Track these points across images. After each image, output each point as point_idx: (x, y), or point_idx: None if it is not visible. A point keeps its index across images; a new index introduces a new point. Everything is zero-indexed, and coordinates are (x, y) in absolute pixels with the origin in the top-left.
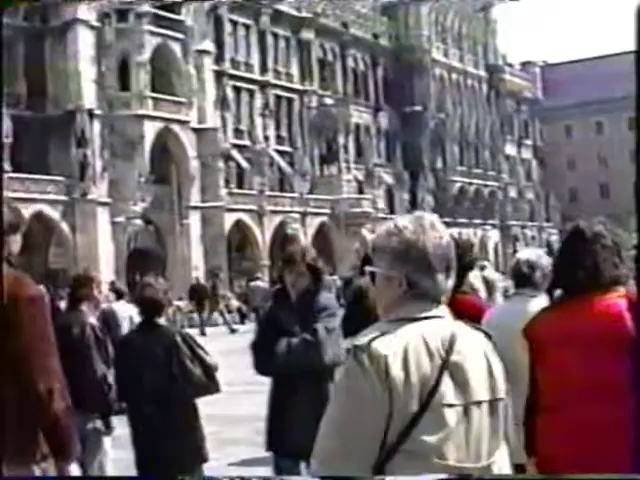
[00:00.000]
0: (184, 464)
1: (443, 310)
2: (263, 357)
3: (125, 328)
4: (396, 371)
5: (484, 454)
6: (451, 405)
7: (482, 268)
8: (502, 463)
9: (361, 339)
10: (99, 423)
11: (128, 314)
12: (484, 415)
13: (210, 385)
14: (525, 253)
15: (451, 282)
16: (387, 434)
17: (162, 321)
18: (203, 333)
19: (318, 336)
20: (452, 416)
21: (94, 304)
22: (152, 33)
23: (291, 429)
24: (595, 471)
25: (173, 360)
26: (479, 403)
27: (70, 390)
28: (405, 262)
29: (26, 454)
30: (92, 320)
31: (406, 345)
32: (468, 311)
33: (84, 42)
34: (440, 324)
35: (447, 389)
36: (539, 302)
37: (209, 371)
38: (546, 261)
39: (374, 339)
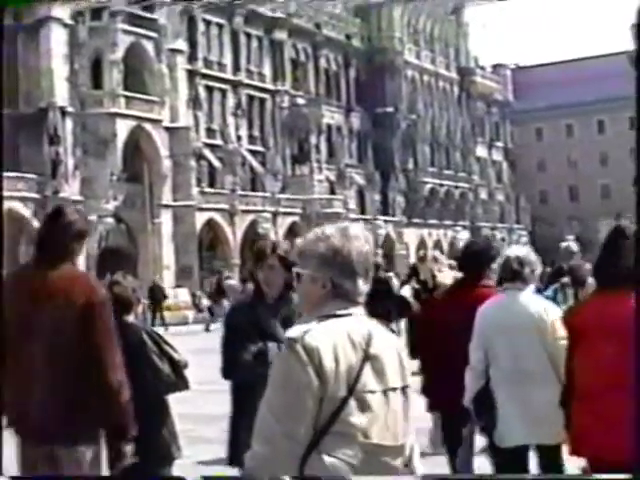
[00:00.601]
0: (155, 461)
1: (360, 309)
2: (241, 363)
3: None
4: (328, 361)
5: (400, 434)
6: (372, 391)
7: None
8: (412, 441)
9: (294, 332)
10: None
11: None
12: (398, 399)
13: (179, 382)
14: (514, 250)
15: (367, 286)
16: (319, 417)
17: (130, 319)
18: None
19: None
20: (374, 400)
21: None
22: (125, 32)
23: None
24: (620, 458)
25: (141, 358)
26: (394, 389)
27: None
28: (331, 266)
29: (94, 435)
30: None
31: (334, 338)
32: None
33: (57, 40)
34: (359, 321)
35: (368, 377)
36: (528, 295)
37: (178, 368)
38: (534, 257)
39: (306, 332)
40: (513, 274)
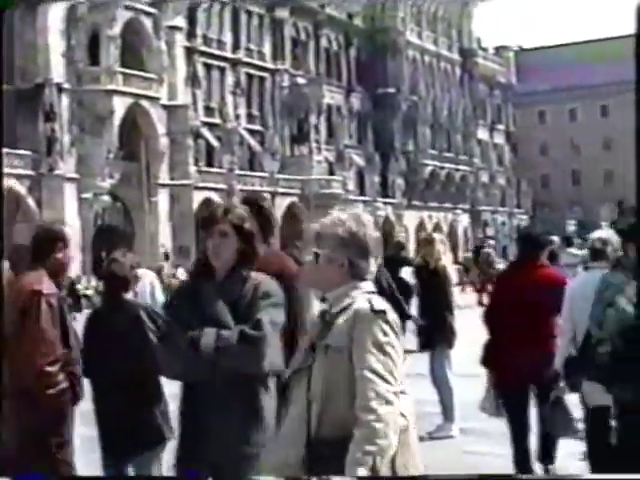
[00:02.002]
0: (147, 440)
1: (370, 285)
2: (175, 355)
3: None
4: (396, 327)
5: None
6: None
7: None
8: None
9: (376, 304)
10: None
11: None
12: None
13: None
14: (598, 232)
15: (374, 266)
16: None
17: (128, 296)
18: None
19: (263, 331)
20: None
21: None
22: (124, 7)
23: (207, 450)
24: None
25: (137, 335)
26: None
27: None
28: (348, 247)
29: None
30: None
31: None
32: (553, 280)
33: (54, 15)
34: (373, 295)
35: None
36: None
37: None
38: (615, 239)
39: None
40: (596, 254)
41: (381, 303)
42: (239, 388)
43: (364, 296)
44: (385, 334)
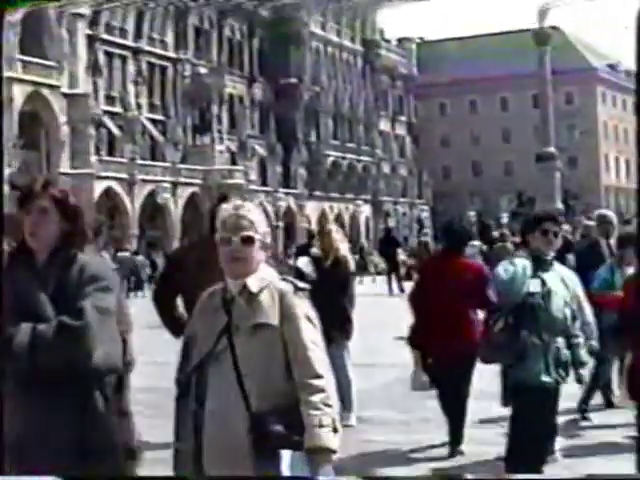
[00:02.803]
0: None
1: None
2: None
3: None
4: None
5: None
6: None
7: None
8: None
9: (296, 283)
10: None
11: None
12: None
13: None
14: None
15: None
16: None
17: None
18: None
19: (85, 320)
20: None
21: None
22: None
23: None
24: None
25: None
26: None
27: None
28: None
29: None
30: None
31: None
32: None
33: None
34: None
35: None
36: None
37: None
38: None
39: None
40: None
41: (299, 282)
42: (65, 390)
43: (276, 276)
44: (311, 308)
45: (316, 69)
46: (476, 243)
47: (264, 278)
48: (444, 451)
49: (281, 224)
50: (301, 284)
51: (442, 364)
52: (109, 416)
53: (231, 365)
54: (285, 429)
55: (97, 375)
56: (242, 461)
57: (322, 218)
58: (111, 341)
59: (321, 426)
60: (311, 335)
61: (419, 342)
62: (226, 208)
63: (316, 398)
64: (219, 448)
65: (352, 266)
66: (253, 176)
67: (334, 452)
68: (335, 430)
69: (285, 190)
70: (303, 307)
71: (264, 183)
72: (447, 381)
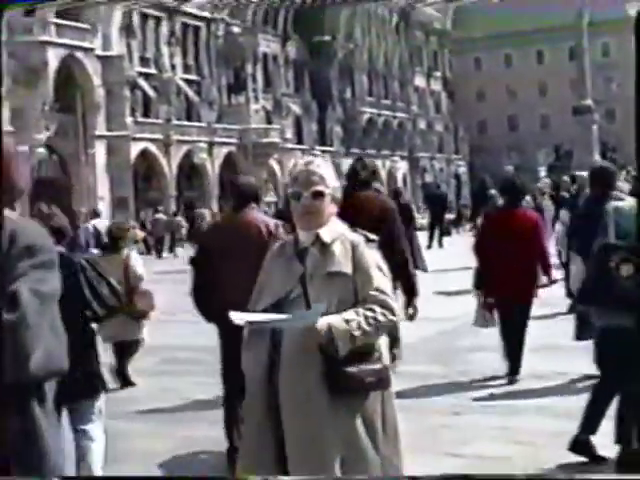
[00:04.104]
0: (85, 389)
1: None
2: None
3: None
4: None
5: None
6: None
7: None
8: None
9: (367, 235)
10: None
11: None
12: None
13: (118, 307)
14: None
15: None
16: None
17: (61, 249)
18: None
19: (21, 310)
20: None
21: None
22: None
23: None
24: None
25: (74, 287)
26: None
27: None
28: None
29: None
30: None
31: None
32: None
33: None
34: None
35: None
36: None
37: (117, 294)
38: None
39: None
40: None
41: (368, 234)
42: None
43: (347, 229)
44: (380, 259)
45: (350, 26)
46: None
47: (336, 230)
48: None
49: None
50: (372, 236)
51: (505, 302)
52: (47, 431)
53: (305, 310)
54: (358, 371)
55: (35, 381)
56: (317, 402)
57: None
58: (54, 336)
59: (349, 322)
60: (381, 283)
61: (484, 284)
62: (298, 164)
63: (374, 305)
64: (294, 390)
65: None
66: (289, 134)
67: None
68: (363, 334)
69: (321, 148)
70: (374, 257)
71: (300, 141)
72: (509, 316)
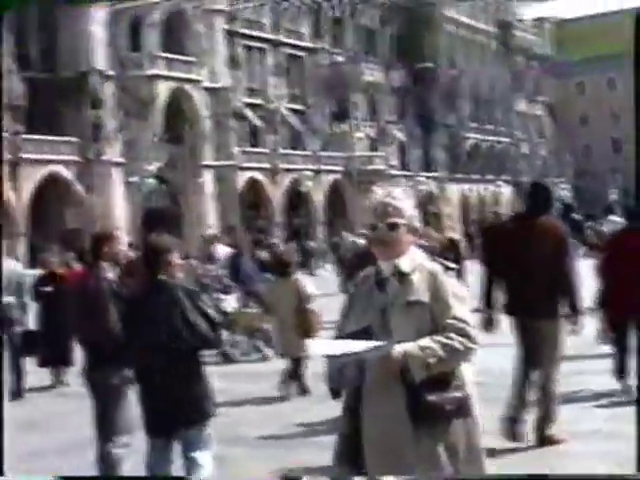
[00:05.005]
0: (197, 415)
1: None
2: None
3: None
4: None
5: None
6: None
7: None
8: None
9: (445, 263)
10: (120, 377)
11: None
12: None
13: (214, 339)
14: None
15: None
16: None
17: (165, 277)
18: None
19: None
20: None
21: (114, 261)
22: None
23: None
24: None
25: (177, 315)
26: None
27: (89, 344)
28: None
29: None
30: (110, 275)
31: None
32: None
33: (95, 3)
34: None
35: None
36: None
37: (213, 325)
38: None
39: None
40: None
41: (447, 263)
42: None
43: (424, 257)
44: (459, 287)
45: (452, 52)
46: (619, 219)
47: (414, 259)
48: None
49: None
50: (450, 264)
51: (626, 320)
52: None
53: (386, 339)
54: (438, 399)
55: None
56: (399, 430)
57: (465, 200)
58: None
59: (424, 349)
60: (460, 311)
61: (606, 303)
62: (376, 196)
63: (452, 333)
64: (376, 418)
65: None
66: (393, 161)
67: (396, 362)
68: (439, 362)
69: (425, 174)
70: (452, 285)
71: (404, 168)
72: (629, 334)
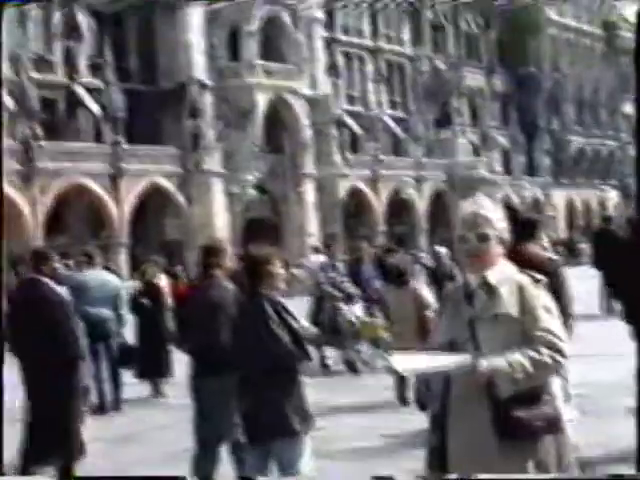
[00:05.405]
0: (285, 428)
1: None
2: None
3: None
4: None
5: None
6: None
7: None
8: None
9: (534, 275)
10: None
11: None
12: None
13: (299, 354)
14: None
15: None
16: None
17: (268, 288)
18: None
19: None
20: None
21: (225, 272)
22: (262, 2)
23: None
24: None
25: (262, 326)
26: None
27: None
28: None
29: None
30: (231, 286)
31: None
32: None
33: (194, 14)
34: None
35: None
36: None
37: (298, 339)
38: None
39: None
40: None
41: (535, 274)
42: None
43: (515, 270)
44: (548, 299)
45: (556, 56)
46: None
47: (503, 271)
48: None
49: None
50: (538, 276)
51: None
52: None
53: (473, 352)
54: (526, 415)
55: None
56: (485, 447)
57: (571, 206)
58: None
59: (512, 363)
60: (549, 324)
61: None
62: (464, 206)
63: (541, 347)
64: (462, 434)
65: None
66: (497, 167)
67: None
68: (528, 377)
69: (530, 179)
70: (541, 298)
71: (508, 173)
72: None
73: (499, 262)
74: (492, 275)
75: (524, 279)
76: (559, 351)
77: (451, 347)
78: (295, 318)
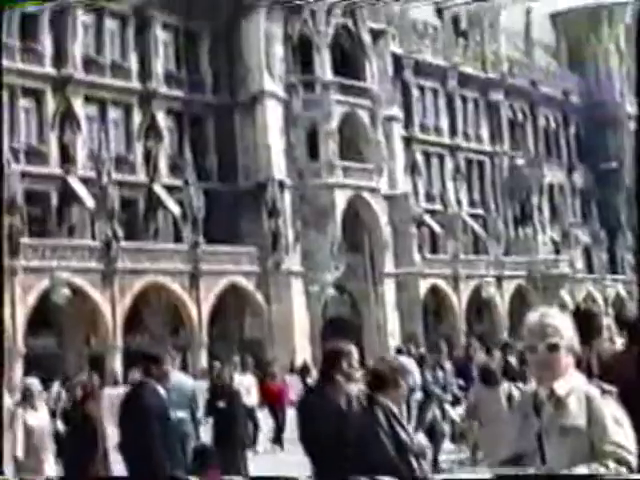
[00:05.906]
0: None
1: None
2: None
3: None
4: None
5: None
6: None
7: None
8: None
9: (602, 385)
10: None
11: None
12: None
13: (400, 467)
14: None
15: None
16: None
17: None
18: None
19: None
20: None
21: (348, 377)
22: (339, 102)
23: None
24: None
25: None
26: None
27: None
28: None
29: None
30: (355, 390)
31: None
32: None
33: (272, 114)
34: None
35: None
36: None
37: (404, 452)
38: None
39: None
40: None
41: (605, 385)
42: None
43: (584, 380)
44: (618, 410)
45: (637, 150)
46: None
47: (571, 382)
48: None
49: (610, 311)
50: (607, 387)
51: None
52: None
53: (540, 466)
54: None
55: None
56: None
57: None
58: None
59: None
60: (619, 437)
61: None
62: (532, 315)
63: (609, 461)
64: None
65: None
66: (578, 264)
67: None
68: None
69: (612, 277)
70: (610, 409)
71: (590, 271)
72: None
73: (568, 372)
74: (560, 386)
75: (592, 390)
76: (628, 465)
77: (516, 461)
78: (407, 431)
